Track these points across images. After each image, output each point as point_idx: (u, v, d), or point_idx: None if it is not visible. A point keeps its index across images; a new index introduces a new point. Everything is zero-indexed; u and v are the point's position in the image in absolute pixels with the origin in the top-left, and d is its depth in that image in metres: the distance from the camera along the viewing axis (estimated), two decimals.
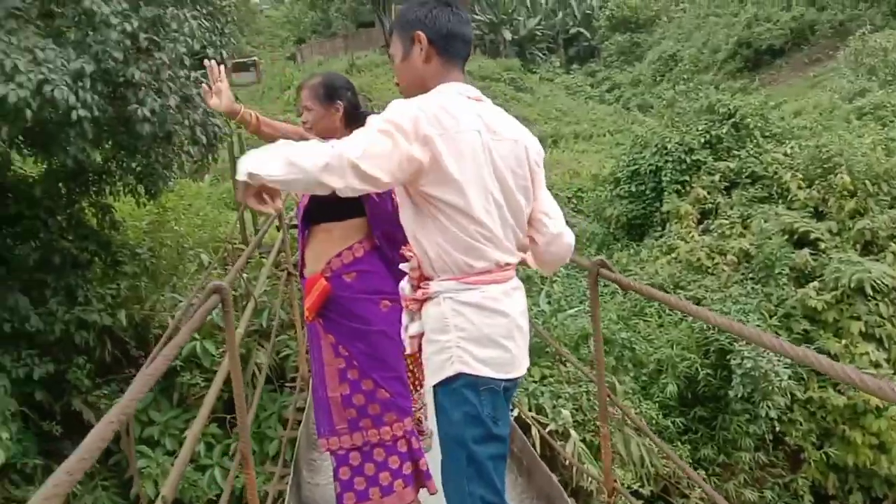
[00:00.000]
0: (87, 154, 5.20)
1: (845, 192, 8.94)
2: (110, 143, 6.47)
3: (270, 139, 3.11)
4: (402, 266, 2.01)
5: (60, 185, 7.12)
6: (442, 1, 1.94)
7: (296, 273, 5.84)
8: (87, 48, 4.82)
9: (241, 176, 1.78)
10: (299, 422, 4.40)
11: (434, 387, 1.93)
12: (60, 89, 4.12)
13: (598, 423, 6.95)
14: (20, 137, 6.45)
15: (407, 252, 1.99)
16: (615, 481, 2.58)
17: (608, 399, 2.62)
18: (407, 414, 3.13)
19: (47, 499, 0.89)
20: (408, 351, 2.03)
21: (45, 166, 6.55)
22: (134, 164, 6.95)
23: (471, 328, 1.88)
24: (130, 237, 8.45)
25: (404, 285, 2.00)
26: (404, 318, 2.03)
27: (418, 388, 3.64)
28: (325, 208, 2.99)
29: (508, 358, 1.92)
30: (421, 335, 1.96)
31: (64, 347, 6.87)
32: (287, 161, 1.73)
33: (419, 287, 1.93)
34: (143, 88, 5.01)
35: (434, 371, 1.91)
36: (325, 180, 1.71)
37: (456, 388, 1.88)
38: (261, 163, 1.75)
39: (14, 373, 6.36)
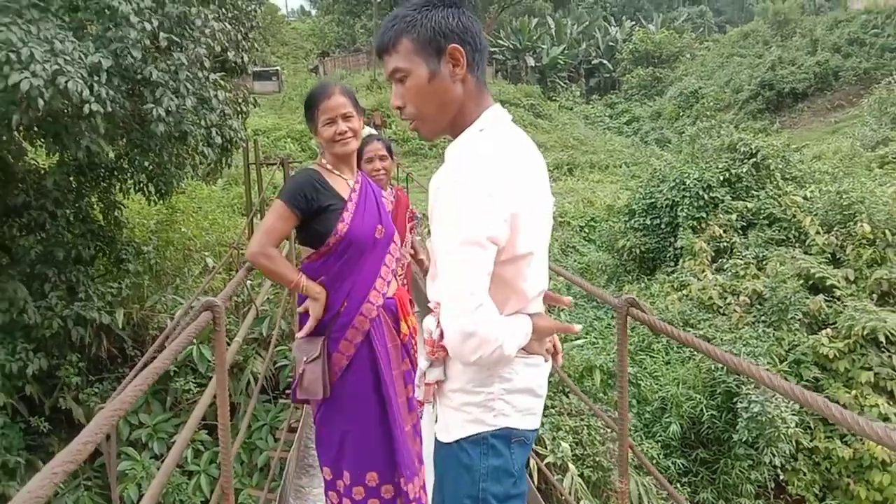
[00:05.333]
0: (99, 148, 5.11)
1: (864, 241, 8.78)
2: (124, 140, 6.42)
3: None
4: (432, 304, 1.73)
5: (71, 178, 7.07)
6: (456, 4, 1.58)
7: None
8: (107, 43, 4.77)
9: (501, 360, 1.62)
10: (291, 442, 4.24)
11: (454, 441, 1.68)
12: (75, 81, 4.05)
13: (597, 458, 6.79)
14: (35, 128, 6.41)
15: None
16: None
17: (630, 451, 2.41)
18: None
19: None
20: (420, 398, 1.76)
21: (56, 157, 6.50)
22: (146, 163, 6.88)
23: (516, 379, 1.67)
24: (137, 235, 8.39)
25: (429, 327, 1.69)
26: (422, 363, 1.73)
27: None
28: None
29: (540, 405, 1.73)
30: (437, 382, 1.71)
31: (59, 343, 6.79)
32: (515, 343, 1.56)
33: None
34: (160, 87, 4.94)
35: (464, 423, 1.66)
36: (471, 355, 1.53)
37: (486, 439, 1.66)
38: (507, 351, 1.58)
39: (8, 367, 6.28)
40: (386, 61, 1.60)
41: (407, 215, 3.96)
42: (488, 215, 1.48)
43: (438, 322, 1.64)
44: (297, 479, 3.90)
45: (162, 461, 6.13)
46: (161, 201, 7.82)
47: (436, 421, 1.80)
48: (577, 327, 1.82)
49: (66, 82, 4.02)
